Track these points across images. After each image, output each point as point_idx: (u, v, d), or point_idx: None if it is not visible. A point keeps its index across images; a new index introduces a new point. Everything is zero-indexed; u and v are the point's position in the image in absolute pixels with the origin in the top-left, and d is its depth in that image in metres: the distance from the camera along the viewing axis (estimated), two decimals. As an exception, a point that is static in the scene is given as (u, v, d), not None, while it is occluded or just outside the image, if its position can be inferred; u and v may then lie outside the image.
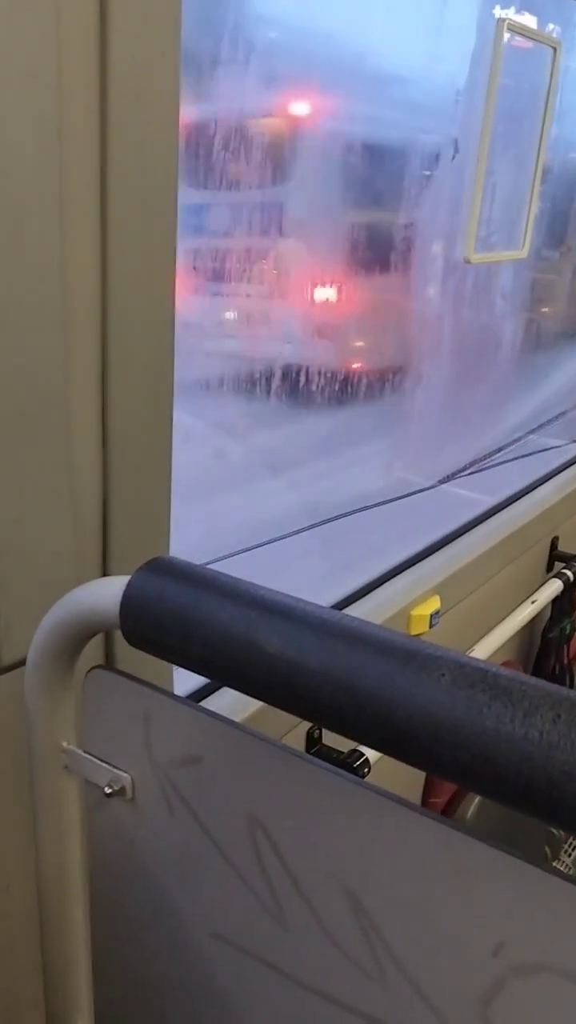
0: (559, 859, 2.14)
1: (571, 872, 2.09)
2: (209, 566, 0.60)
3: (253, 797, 0.60)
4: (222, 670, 0.54)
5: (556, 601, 2.00)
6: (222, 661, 0.54)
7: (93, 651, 0.81)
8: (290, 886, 0.60)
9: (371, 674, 0.48)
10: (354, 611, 1.42)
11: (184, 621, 0.56)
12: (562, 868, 2.13)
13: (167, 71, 0.69)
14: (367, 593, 1.47)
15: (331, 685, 0.49)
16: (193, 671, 0.57)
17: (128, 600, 0.59)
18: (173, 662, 0.58)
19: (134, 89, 0.67)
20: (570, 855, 2.18)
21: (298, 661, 0.50)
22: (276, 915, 0.61)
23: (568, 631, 2.07)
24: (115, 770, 0.68)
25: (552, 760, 0.42)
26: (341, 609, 1.42)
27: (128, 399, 0.75)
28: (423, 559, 1.60)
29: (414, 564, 1.58)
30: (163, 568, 0.59)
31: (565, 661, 2.10)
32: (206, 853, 0.64)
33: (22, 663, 0.73)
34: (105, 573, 0.80)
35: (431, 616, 1.50)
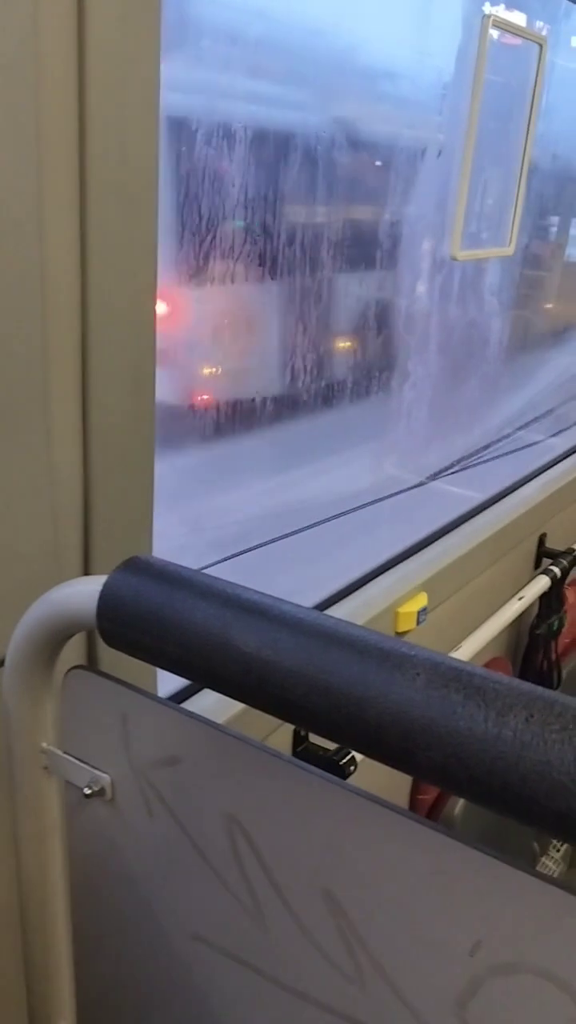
0: (547, 854, 2.15)
1: (559, 869, 2.10)
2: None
3: (232, 798, 0.59)
4: (198, 670, 0.54)
5: (543, 597, 2.00)
6: (198, 661, 0.54)
7: (76, 651, 0.80)
8: (269, 887, 0.60)
9: (346, 673, 0.47)
10: (340, 609, 1.42)
11: (160, 621, 0.55)
12: (550, 863, 2.14)
13: (146, 62, 0.68)
14: (354, 591, 1.47)
15: (305, 685, 0.49)
16: (170, 671, 0.57)
17: (105, 600, 0.58)
18: (150, 662, 0.58)
19: (113, 81, 0.66)
20: (558, 850, 2.19)
21: (273, 661, 0.50)
22: (255, 916, 0.61)
23: (555, 627, 2.07)
24: (94, 771, 0.67)
25: (524, 759, 0.41)
26: (328, 607, 1.41)
27: (109, 396, 0.74)
28: (410, 556, 1.60)
29: (401, 561, 1.58)
30: (140, 567, 0.59)
31: (553, 657, 2.10)
32: (185, 854, 0.64)
33: (1, 663, 0.72)
34: (87, 572, 0.80)
35: (418, 613, 1.50)
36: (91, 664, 0.82)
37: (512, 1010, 0.49)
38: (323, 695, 0.48)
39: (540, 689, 0.44)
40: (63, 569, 0.77)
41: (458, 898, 0.50)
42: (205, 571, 0.66)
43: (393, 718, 0.45)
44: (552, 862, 2.14)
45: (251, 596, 0.54)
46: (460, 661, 0.46)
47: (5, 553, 0.71)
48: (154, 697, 0.63)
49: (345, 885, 0.55)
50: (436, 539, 1.68)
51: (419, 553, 1.61)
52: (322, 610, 1.36)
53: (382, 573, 1.53)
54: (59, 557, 0.76)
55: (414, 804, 1.71)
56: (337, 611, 1.40)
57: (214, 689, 0.54)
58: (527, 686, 0.44)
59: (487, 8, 1.35)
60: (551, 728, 0.41)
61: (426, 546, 1.64)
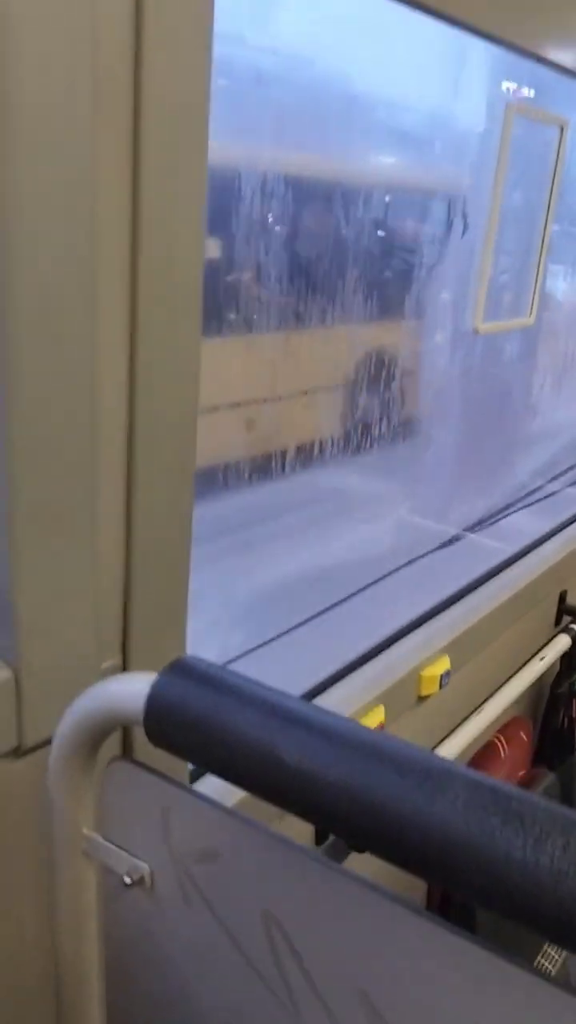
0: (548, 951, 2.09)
1: (559, 965, 2.04)
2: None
3: (270, 896, 0.61)
4: (242, 777, 0.56)
5: (564, 656, 2.00)
6: (242, 769, 0.56)
7: (111, 737, 0.83)
8: (304, 983, 0.61)
9: (387, 791, 0.50)
10: (364, 673, 1.43)
11: (206, 726, 0.58)
12: (554, 958, 2.08)
13: (198, 87, 0.70)
14: (377, 654, 1.48)
15: (348, 800, 0.51)
16: (214, 774, 0.59)
17: (153, 701, 0.61)
18: (193, 763, 0.60)
19: (166, 112, 0.68)
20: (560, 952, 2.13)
21: (316, 774, 0.52)
22: (290, 1011, 0.62)
23: (576, 686, 2.08)
24: (134, 859, 0.69)
25: (561, 887, 0.43)
26: (353, 670, 1.42)
27: (151, 491, 0.78)
28: (432, 618, 1.62)
29: (423, 623, 1.59)
30: (186, 670, 0.61)
31: (573, 715, 2.10)
32: (222, 947, 0.65)
33: (42, 744, 0.75)
34: (124, 658, 0.82)
35: (441, 677, 1.51)
36: (126, 749, 0.84)
37: None
38: (365, 811, 0.50)
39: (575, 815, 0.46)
40: (103, 656, 0.79)
41: (494, 1009, 0.51)
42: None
43: (434, 838, 0.47)
44: (555, 958, 2.08)
45: (295, 705, 0.56)
46: (499, 783, 0.49)
47: (49, 640, 0.74)
48: (196, 793, 0.65)
49: (381, 988, 0.57)
50: (458, 600, 1.69)
51: (441, 615, 1.63)
52: (347, 673, 1.39)
53: (404, 636, 1.54)
54: (99, 645, 0.79)
55: (432, 890, 1.70)
56: (361, 674, 1.41)
57: (258, 796, 0.56)
58: (563, 812, 0.46)
59: (505, 84, 1.40)
60: None
61: (448, 607, 1.66)
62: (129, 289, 0.71)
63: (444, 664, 1.52)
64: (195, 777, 1.06)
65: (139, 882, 0.69)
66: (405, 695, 1.44)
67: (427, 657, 1.50)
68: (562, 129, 1.44)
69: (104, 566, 0.77)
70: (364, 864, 0.57)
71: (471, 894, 0.47)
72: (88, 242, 0.65)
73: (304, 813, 0.54)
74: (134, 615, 0.80)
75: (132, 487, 0.76)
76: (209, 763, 0.59)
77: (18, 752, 0.74)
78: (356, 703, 1.29)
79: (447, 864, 0.47)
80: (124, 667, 0.83)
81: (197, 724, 0.58)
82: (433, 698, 1.53)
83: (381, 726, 1.33)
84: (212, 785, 0.95)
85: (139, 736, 0.83)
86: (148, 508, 0.78)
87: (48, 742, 0.74)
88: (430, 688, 1.50)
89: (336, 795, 0.51)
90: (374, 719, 1.32)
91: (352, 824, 0.51)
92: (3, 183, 0.58)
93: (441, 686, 1.51)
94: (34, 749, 0.75)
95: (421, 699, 1.51)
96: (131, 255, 0.70)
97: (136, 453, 0.75)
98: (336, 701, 1.30)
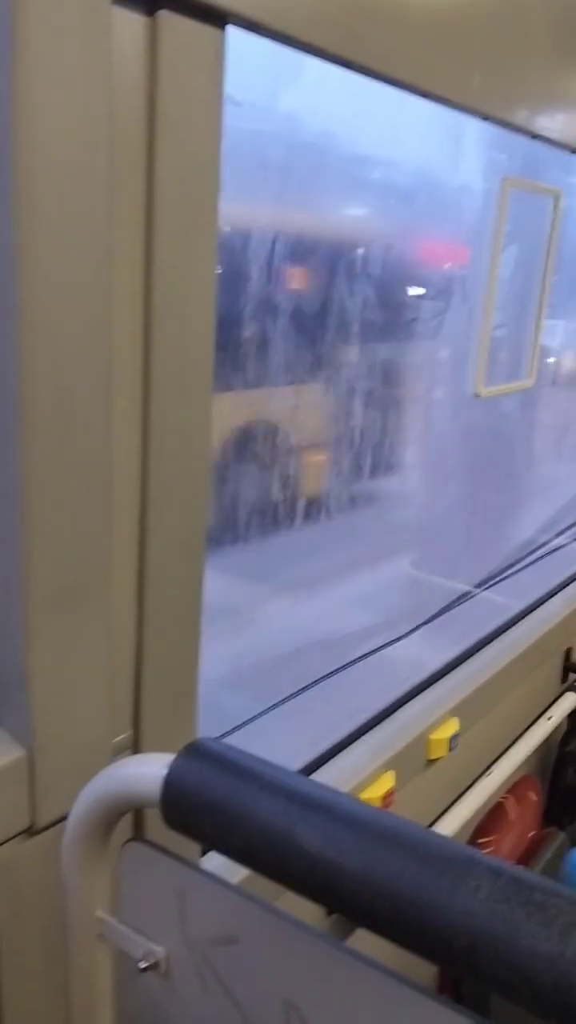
0: None
1: None
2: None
3: (289, 982, 0.60)
4: (260, 862, 0.56)
5: (572, 714, 1.99)
6: (262, 856, 0.56)
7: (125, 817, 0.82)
8: None
9: (409, 881, 0.49)
10: (373, 737, 1.42)
11: (224, 812, 0.58)
12: None
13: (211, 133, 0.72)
14: (386, 717, 1.48)
15: (370, 890, 0.50)
16: (233, 860, 0.59)
17: (170, 785, 0.61)
18: (211, 847, 0.60)
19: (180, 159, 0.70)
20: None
21: (337, 862, 0.52)
22: None
23: (585, 744, 2.06)
24: (149, 943, 0.68)
25: None
26: (362, 734, 1.42)
27: (163, 569, 0.79)
28: (439, 679, 1.61)
29: (430, 685, 1.58)
30: (203, 753, 0.61)
31: (583, 774, 2.08)
32: None
33: (55, 823, 0.74)
34: (136, 732, 0.82)
35: (450, 739, 1.50)
36: (138, 829, 0.83)
37: None
38: (385, 899, 0.50)
39: None
40: (115, 729, 0.79)
41: None
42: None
43: (457, 930, 0.47)
44: None
45: (314, 791, 0.56)
46: (520, 871, 0.48)
47: (64, 721, 0.74)
48: (211, 875, 0.64)
49: None
50: (464, 661, 1.69)
51: (447, 677, 1.62)
52: (356, 738, 1.38)
53: (412, 699, 1.54)
54: (112, 718, 0.79)
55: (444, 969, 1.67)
56: (370, 739, 1.40)
57: (278, 883, 0.56)
58: None
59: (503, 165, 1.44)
60: None
61: (454, 669, 1.65)
62: (142, 371, 0.72)
63: (453, 726, 1.51)
64: (205, 850, 1.05)
65: (154, 966, 0.68)
66: (414, 759, 1.43)
67: (435, 720, 1.49)
68: (556, 199, 1.48)
69: (117, 642, 0.77)
70: (374, 936, 0.56)
71: (494, 986, 0.47)
72: (103, 310, 0.66)
73: (323, 900, 0.54)
74: (146, 689, 0.80)
75: (144, 564, 0.76)
76: (227, 847, 0.58)
77: (31, 831, 0.74)
78: (365, 770, 1.29)
79: (470, 955, 0.47)
80: (136, 740, 0.83)
81: (215, 808, 0.58)
82: (442, 761, 1.52)
83: (391, 792, 1.32)
84: (221, 859, 0.94)
85: (152, 816, 0.83)
86: (160, 584, 0.78)
87: (60, 820, 0.74)
88: (439, 751, 1.49)
89: (356, 882, 0.51)
90: (384, 785, 1.31)
91: (371, 912, 0.51)
92: (21, 250, 0.60)
93: (450, 749, 1.50)
94: (46, 828, 0.75)
95: (430, 762, 1.49)
96: (144, 322, 0.71)
97: (149, 532, 0.76)
98: (345, 768, 1.29)
